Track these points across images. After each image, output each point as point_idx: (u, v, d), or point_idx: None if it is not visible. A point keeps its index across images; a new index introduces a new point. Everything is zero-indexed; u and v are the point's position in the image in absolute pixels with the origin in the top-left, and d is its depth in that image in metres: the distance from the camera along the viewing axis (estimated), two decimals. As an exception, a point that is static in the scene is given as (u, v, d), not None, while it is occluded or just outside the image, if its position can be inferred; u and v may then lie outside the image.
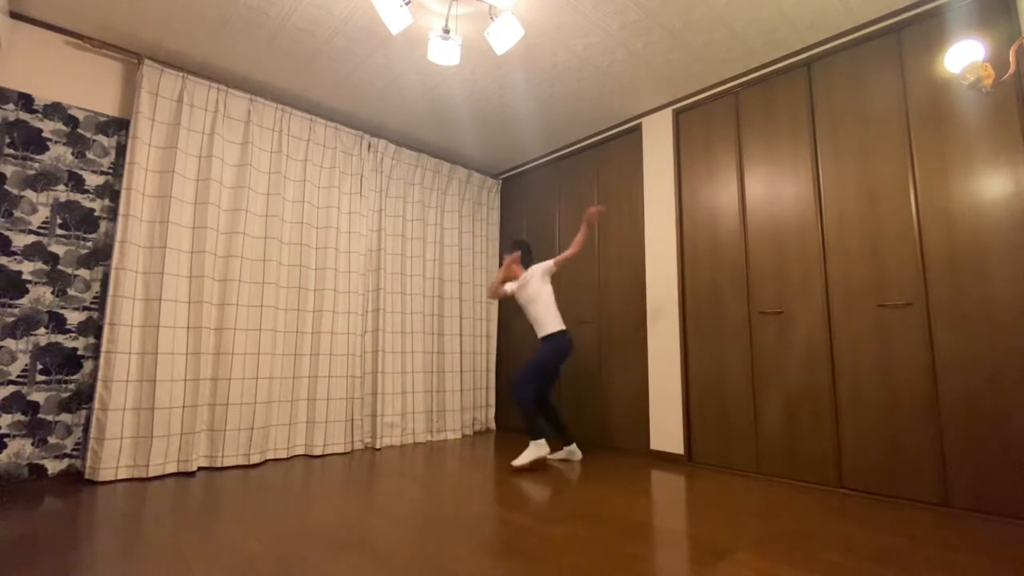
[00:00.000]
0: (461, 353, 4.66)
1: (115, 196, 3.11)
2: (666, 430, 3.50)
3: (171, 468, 2.96)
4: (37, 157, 2.87)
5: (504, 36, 2.56)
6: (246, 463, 3.21)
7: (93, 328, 2.96)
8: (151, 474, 2.86)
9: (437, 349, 4.48)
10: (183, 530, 2.02)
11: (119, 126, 3.15)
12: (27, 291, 2.78)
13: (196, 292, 3.16)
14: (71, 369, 2.88)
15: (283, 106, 3.67)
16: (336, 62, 3.27)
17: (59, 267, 2.89)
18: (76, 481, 2.75)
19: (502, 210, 5.27)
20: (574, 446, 3.42)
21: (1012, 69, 1.95)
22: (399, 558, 1.76)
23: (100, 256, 3.03)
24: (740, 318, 3.20)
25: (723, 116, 3.45)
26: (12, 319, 2.72)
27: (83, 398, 2.90)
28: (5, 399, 2.67)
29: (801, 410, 2.88)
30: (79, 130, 3.01)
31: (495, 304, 5.01)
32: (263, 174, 3.56)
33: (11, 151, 2.79)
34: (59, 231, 2.90)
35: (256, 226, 3.47)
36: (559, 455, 3.44)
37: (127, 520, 2.13)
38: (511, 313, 4.98)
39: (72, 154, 2.98)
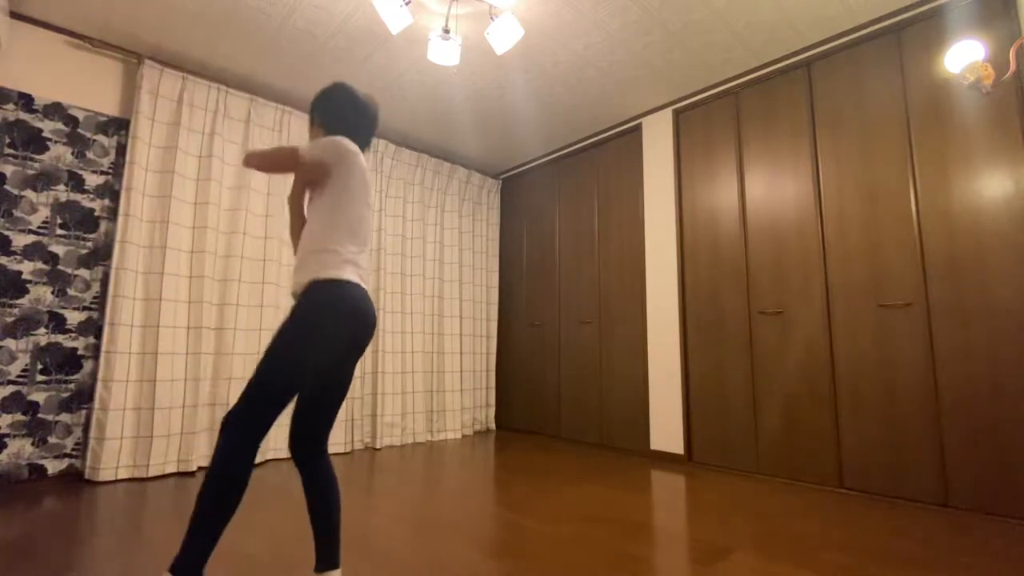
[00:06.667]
0: (461, 353, 4.66)
1: (115, 196, 3.11)
2: (666, 430, 3.49)
3: (171, 468, 2.96)
4: (37, 157, 2.87)
5: (504, 36, 2.56)
6: (246, 463, 3.21)
7: (93, 328, 2.96)
8: (151, 474, 2.86)
9: (437, 349, 4.48)
10: (183, 530, 2.02)
11: (119, 126, 3.15)
12: (27, 291, 2.78)
13: (196, 292, 3.15)
14: (71, 369, 2.88)
15: (283, 106, 3.66)
16: (336, 62, 3.27)
17: (59, 267, 2.89)
18: (76, 481, 2.75)
19: (502, 210, 5.27)
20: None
21: (1012, 69, 1.95)
22: (399, 558, 1.76)
23: (100, 256, 3.03)
24: (740, 318, 3.20)
25: (723, 116, 3.44)
26: (12, 319, 2.72)
27: (83, 398, 2.90)
28: (5, 399, 2.66)
29: (801, 410, 2.88)
30: (79, 130, 3.01)
31: (495, 304, 5.01)
32: (263, 174, 3.56)
33: (11, 151, 2.79)
34: (59, 231, 2.90)
35: (256, 226, 3.47)
36: None
37: (127, 520, 2.13)
38: (512, 313, 4.98)
39: (72, 154, 2.98)
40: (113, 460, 2.78)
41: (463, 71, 3.35)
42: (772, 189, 3.14)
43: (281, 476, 2.96)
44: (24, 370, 2.73)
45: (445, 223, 4.71)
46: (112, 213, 3.09)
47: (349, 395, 3.79)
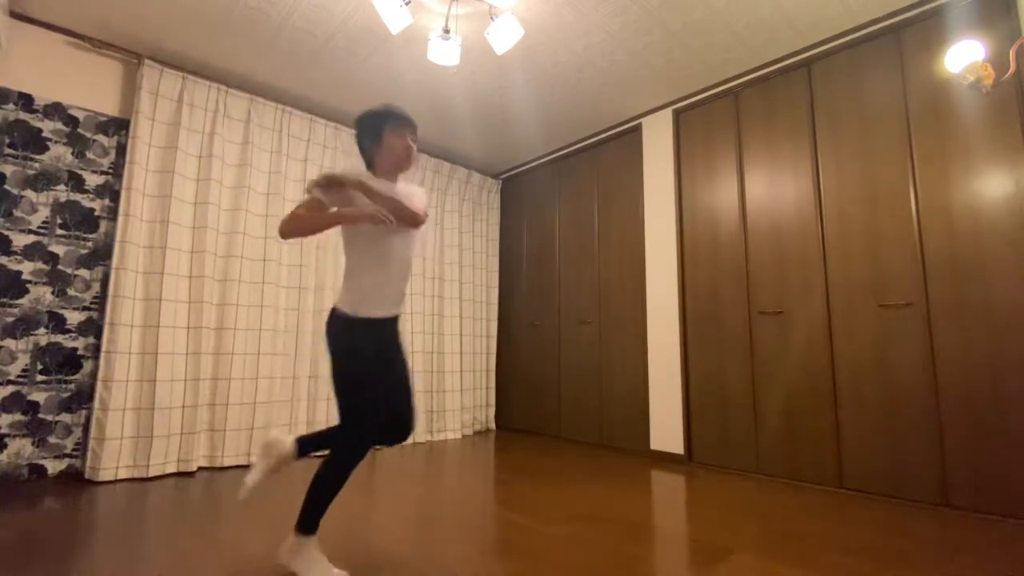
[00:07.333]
0: (461, 353, 4.66)
1: (115, 196, 3.11)
2: (666, 430, 3.49)
3: (171, 468, 2.96)
4: (37, 157, 2.87)
5: (504, 36, 2.56)
6: (246, 463, 3.21)
7: (93, 328, 2.96)
8: (151, 474, 2.86)
9: (437, 349, 4.48)
10: (183, 530, 2.02)
11: (119, 126, 3.15)
12: (27, 291, 2.78)
13: (196, 292, 3.15)
14: (71, 369, 2.88)
15: (283, 106, 3.66)
16: (336, 62, 3.27)
17: (59, 267, 2.89)
18: (76, 481, 2.75)
19: (502, 210, 5.27)
20: None
21: (1012, 69, 1.95)
22: (399, 558, 1.76)
23: (100, 256, 3.03)
24: (740, 318, 3.20)
25: (723, 116, 3.44)
26: (12, 319, 2.72)
27: (83, 398, 2.89)
28: (5, 399, 2.66)
29: (801, 410, 2.88)
30: (79, 130, 3.01)
31: (495, 304, 5.00)
32: (263, 174, 3.56)
33: (11, 151, 2.79)
34: (59, 231, 2.90)
35: (256, 226, 3.47)
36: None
37: (127, 520, 2.13)
38: (512, 313, 4.98)
39: (72, 154, 2.98)
40: (113, 460, 2.78)
41: (463, 71, 3.35)
42: (772, 189, 3.14)
43: (281, 476, 2.96)
44: (24, 370, 2.73)
45: (445, 223, 4.71)
46: (112, 213, 3.09)
47: (349, 395, 3.79)
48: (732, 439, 3.17)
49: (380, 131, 1.77)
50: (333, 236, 3.80)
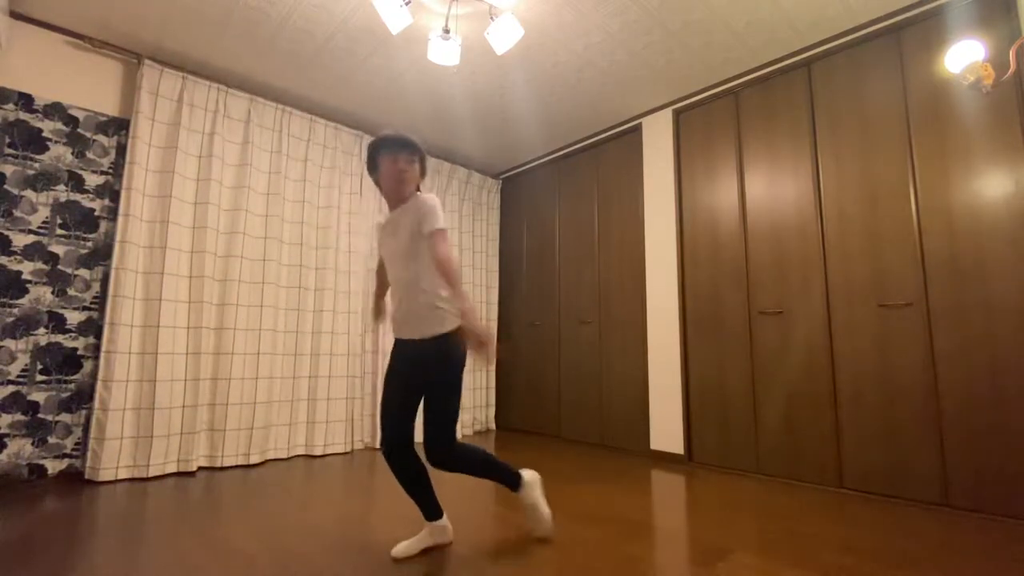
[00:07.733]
0: (461, 353, 4.65)
1: (115, 196, 3.11)
2: (666, 430, 3.49)
3: (171, 468, 2.96)
4: (37, 157, 2.87)
5: (504, 36, 2.56)
6: (246, 463, 3.21)
7: (93, 328, 2.96)
8: (151, 474, 2.86)
9: (437, 349, 4.47)
10: (183, 530, 2.02)
11: (119, 126, 3.15)
12: (27, 291, 2.78)
13: (196, 292, 3.16)
14: (71, 369, 2.88)
15: (283, 106, 3.66)
16: (336, 62, 3.27)
17: (59, 267, 2.89)
18: (76, 481, 2.75)
19: (502, 210, 5.27)
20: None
21: (1012, 69, 1.95)
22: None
23: (100, 256, 3.03)
24: (740, 318, 3.20)
25: (723, 116, 3.44)
26: (12, 319, 2.72)
27: (83, 398, 2.90)
28: (5, 399, 2.66)
29: (801, 410, 2.88)
30: (79, 130, 3.01)
31: (495, 304, 5.00)
32: (263, 174, 3.56)
33: (11, 151, 2.79)
34: (59, 231, 2.90)
35: (256, 226, 3.47)
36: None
37: (127, 520, 2.13)
38: (512, 313, 4.98)
39: (72, 154, 2.98)
40: (113, 460, 2.78)
41: (463, 71, 3.35)
42: (772, 189, 3.14)
43: (281, 476, 2.96)
44: (24, 370, 2.73)
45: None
46: (112, 213, 3.09)
47: (349, 395, 3.79)
48: (732, 439, 3.17)
49: (376, 160, 1.85)
50: (334, 237, 3.80)
